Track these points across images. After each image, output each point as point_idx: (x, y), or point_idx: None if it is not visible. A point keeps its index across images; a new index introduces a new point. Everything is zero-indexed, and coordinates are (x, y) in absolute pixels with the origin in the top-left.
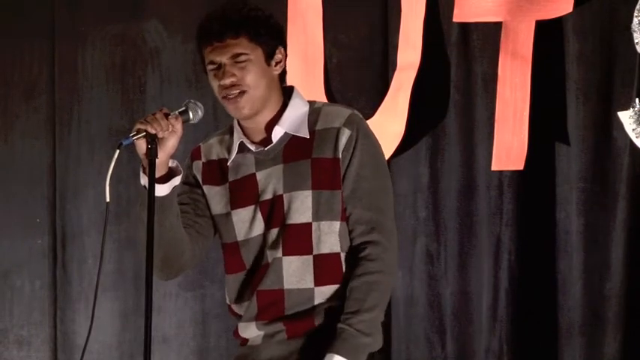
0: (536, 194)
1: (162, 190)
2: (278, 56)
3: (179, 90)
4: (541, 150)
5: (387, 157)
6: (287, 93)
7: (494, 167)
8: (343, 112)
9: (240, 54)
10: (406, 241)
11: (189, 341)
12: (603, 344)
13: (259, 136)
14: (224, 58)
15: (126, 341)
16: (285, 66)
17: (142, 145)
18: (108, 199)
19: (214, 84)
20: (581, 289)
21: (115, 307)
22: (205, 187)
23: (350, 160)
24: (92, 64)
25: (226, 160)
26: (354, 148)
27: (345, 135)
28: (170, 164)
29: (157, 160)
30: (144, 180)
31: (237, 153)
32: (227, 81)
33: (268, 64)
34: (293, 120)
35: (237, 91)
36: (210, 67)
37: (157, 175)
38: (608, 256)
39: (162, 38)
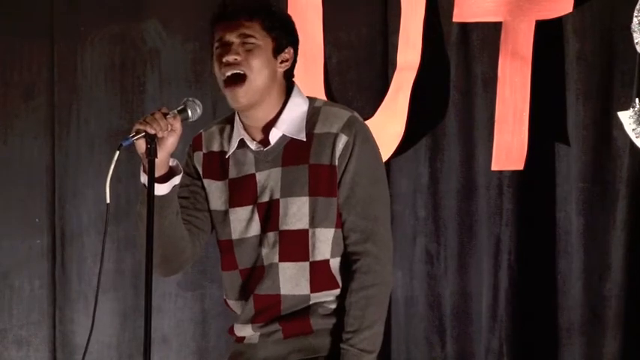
0: (536, 194)
1: (162, 189)
2: (285, 55)
3: (178, 90)
4: (541, 150)
5: (387, 157)
6: (288, 91)
7: (494, 167)
8: (342, 114)
9: (250, 36)
10: (406, 241)
11: (189, 341)
12: (603, 344)
13: (259, 135)
14: (233, 37)
15: (125, 341)
16: (292, 68)
17: (141, 145)
18: (108, 201)
19: (217, 65)
20: (581, 289)
21: (115, 307)
22: (205, 181)
23: (346, 167)
24: (92, 64)
25: (226, 153)
26: (350, 155)
27: (341, 141)
28: (170, 163)
29: (156, 160)
30: (144, 179)
31: (237, 148)
32: (230, 57)
33: (275, 57)
34: (290, 122)
35: (238, 71)
36: (216, 45)
37: (157, 174)
38: (608, 256)
39: (161, 38)
